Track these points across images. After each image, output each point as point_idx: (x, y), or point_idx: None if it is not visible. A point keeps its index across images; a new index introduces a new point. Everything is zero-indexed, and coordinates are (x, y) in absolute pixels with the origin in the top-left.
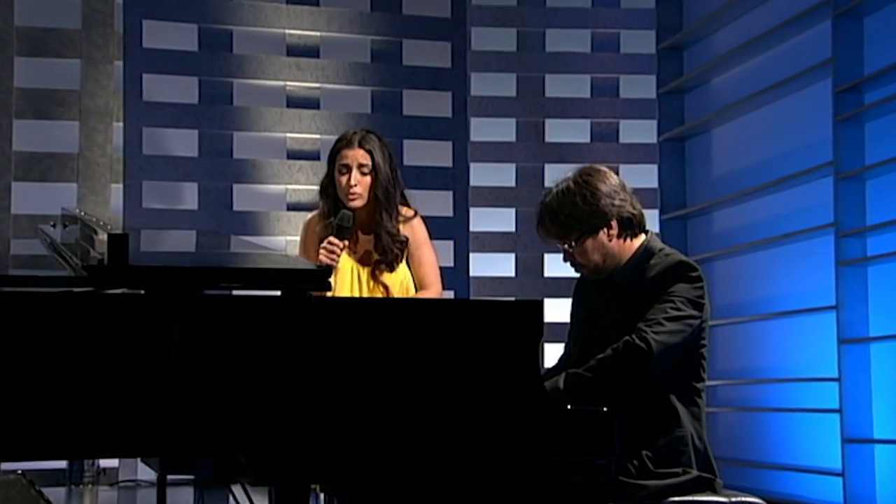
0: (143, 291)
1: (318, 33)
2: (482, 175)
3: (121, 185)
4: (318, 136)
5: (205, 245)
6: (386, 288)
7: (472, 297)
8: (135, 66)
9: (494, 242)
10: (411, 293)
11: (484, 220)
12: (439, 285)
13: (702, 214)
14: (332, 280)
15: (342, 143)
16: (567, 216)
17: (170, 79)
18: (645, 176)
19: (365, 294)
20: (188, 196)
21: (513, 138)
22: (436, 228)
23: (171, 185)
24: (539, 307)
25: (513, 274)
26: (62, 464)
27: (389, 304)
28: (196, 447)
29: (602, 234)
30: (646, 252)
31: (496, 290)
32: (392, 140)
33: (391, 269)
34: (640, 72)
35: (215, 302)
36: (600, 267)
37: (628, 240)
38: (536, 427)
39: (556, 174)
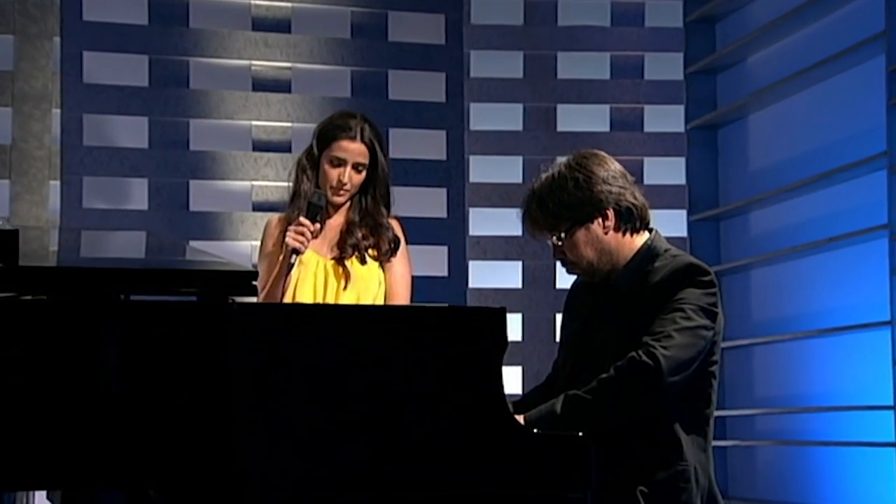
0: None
1: (288, 4)
2: (482, 170)
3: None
4: (288, 125)
5: (155, 249)
6: (349, 277)
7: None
8: (73, 42)
9: (497, 248)
10: (379, 300)
11: (485, 222)
12: (408, 301)
13: (736, 215)
14: (294, 272)
15: (342, 133)
16: (556, 203)
17: (114, 57)
18: (675, 170)
19: (331, 289)
20: (136, 194)
21: (519, 127)
22: (428, 232)
23: (116, 181)
24: (501, 315)
25: (519, 285)
26: None
27: (321, 312)
28: (102, 480)
29: (596, 225)
30: (648, 252)
31: (499, 303)
32: None
33: (362, 260)
34: (669, 49)
35: (136, 308)
36: (594, 266)
37: (627, 235)
38: (499, 454)
39: None
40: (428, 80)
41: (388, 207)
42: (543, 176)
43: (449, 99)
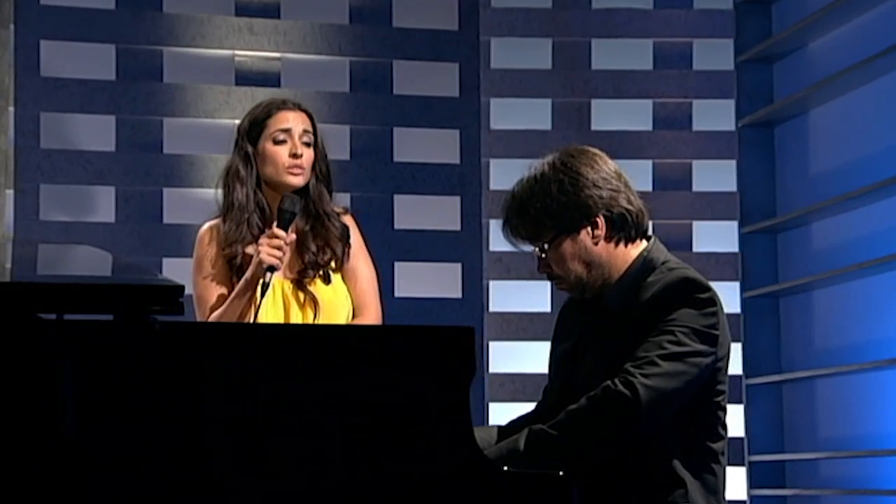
0: None
1: None
2: (503, 175)
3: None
4: None
5: (122, 268)
6: (317, 304)
7: (483, 337)
8: (29, 29)
9: (521, 266)
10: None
11: None
12: (378, 308)
13: (796, 226)
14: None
15: (276, 108)
16: (539, 210)
17: (76, 46)
18: (726, 175)
19: (294, 314)
20: (102, 204)
21: (547, 126)
22: (438, 247)
23: (78, 189)
24: (469, 335)
25: (548, 308)
26: None
27: (259, 332)
28: None
29: (584, 235)
30: (644, 265)
31: (523, 330)
32: (379, 128)
33: (326, 278)
34: (721, 34)
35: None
36: (584, 281)
37: (621, 245)
38: (464, 496)
39: None
40: (439, 71)
41: (330, 190)
42: (525, 177)
43: (463, 93)
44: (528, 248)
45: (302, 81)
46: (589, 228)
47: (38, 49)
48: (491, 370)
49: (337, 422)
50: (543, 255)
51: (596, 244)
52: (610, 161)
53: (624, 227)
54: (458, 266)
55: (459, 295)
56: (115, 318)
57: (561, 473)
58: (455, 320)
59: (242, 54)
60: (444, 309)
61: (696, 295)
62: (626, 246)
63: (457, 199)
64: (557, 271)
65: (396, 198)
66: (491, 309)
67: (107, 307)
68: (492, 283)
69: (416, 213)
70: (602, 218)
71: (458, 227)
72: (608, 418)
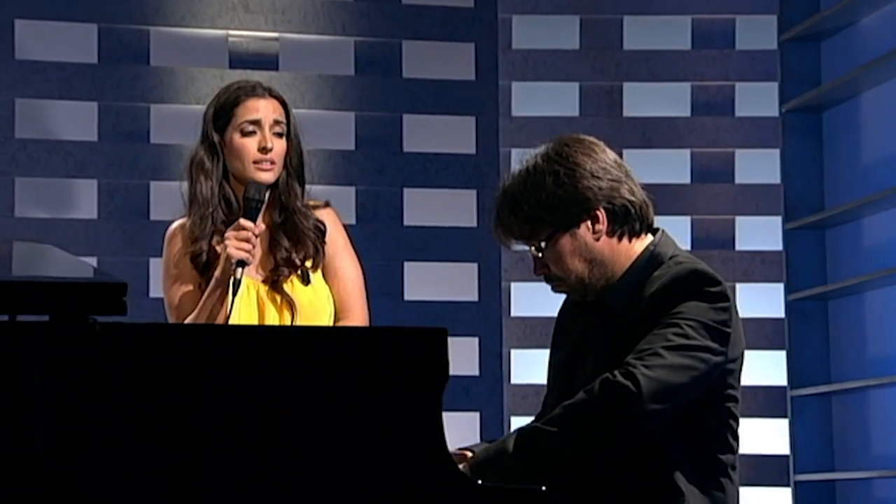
0: None
1: None
2: None
3: None
4: None
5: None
6: (294, 306)
7: (502, 345)
8: (2, 8)
9: None
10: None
11: None
12: (364, 310)
13: (846, 221)
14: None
15: (244, 94)
16: (533, 205)
17: (55, 27)
18: (770, 165)
19: (270, 317)
20: (83, 199)
21: (574, 112)
22: (452, 245)
23: (57, 182)
24: (442, 337)
25: None
26: None
27: (212, 334)
28: None
29: (584, 230)
30: (650, 260)
31: (548, 336)
32: (387, 114)
33: (305, 279)
34: (764, 10)
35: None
36: (585, 281)
37: (624, 240)
38: None
39: (639, 163)
40: (453, 52)
41: (302, 184)
42: (516, 170)
43: (480, 76)
44: (521, 248)
45: (302, 64)
46: (589, 223)
47: (13, 29)
48: (512, 381)
49: (297, 428)
50: (540, 255)
51: (597, 240)
52: (608, 150)
53: (627, 220)
54: (475, 266)
55: (476, 298)
56: (49, 318)
57: (543, 488)
58: (471, 326)
59: (237, 34)
60: (459, 313)
61: (705, 288)
62: (629, 241)
63: (473, 192)
64: (556, 271)
65: (406, 191)
66: (512, 314)
67: (40, 307)
68: (513, 286)
69: (427, 207)
70: (603, 211)
71: (474, 224)
72: (608, 412)
